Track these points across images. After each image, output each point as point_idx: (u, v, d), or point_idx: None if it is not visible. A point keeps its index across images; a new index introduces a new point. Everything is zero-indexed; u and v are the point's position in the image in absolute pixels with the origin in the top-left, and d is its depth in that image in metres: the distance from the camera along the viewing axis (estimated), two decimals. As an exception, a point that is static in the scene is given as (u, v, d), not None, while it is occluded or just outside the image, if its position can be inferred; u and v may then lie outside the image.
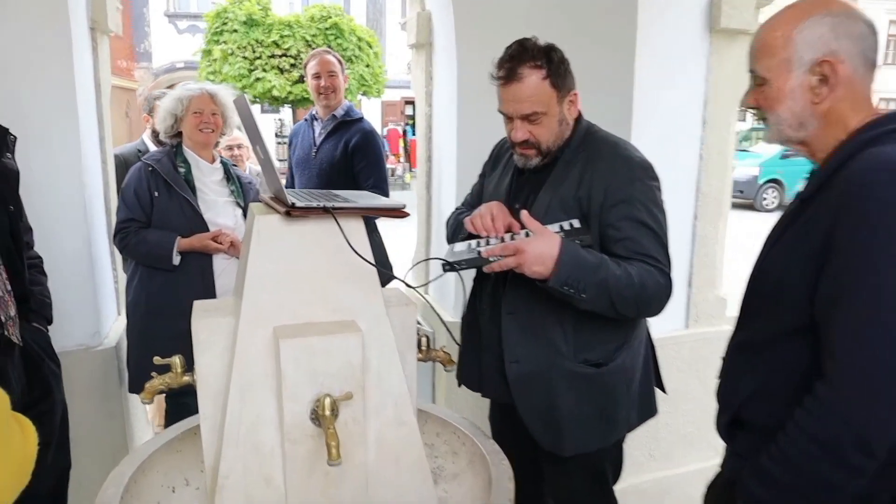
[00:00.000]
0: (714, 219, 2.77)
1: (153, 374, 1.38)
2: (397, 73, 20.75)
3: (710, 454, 3.18)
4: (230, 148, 3.87)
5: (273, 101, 14.89)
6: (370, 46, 15.05)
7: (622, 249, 1.58)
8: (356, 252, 1.28)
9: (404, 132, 20.14)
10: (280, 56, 14.12)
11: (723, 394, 1.33)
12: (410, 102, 21.45)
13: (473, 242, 1.67)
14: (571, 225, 1.59)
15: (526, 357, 1.70)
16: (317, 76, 3.08)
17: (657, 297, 1.58)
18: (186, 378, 1.38)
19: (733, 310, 3.11)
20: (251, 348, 1.27)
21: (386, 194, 3.06)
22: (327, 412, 1.21)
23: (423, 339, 1.55)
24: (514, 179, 1.79)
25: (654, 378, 1.87)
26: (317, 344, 1.24)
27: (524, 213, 1.51)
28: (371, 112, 21.77)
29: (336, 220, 1.27)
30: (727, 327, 2.97)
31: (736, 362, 1.32)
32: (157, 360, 1.36)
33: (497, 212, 1.67)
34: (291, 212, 1.28)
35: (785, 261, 1.17)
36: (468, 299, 1.88)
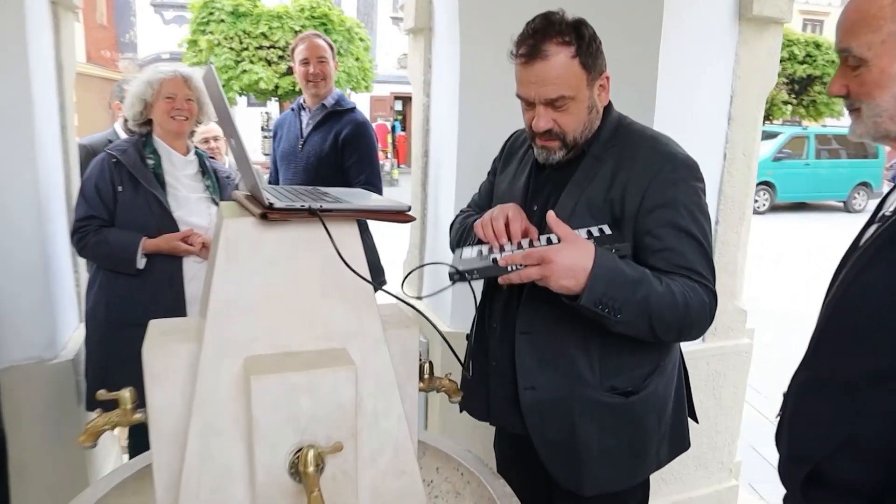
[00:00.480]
0: (737, 224, 2.54)
1: (97, 410, 1.12)
2: (387, 68, 20.48)
3: (723, 476, 2.97)
4: (206, 140, 3.59)
5: (260, 94, 14.52)
6: (361, 40, 14.73)
7: (661, 262, 1.34)
8: (348, 266, 1.03)
9: (392, 128, 19.87)
10: (268, 48, 13.77)
11: (795, 442, 1.10)
12: (400, 98, 21.20)
13: (485, 248, 1.43)
14: (602, 231, 1.35)
15: (543, 383, 1.47)
16: (305, 62, 2.82)
17: (701, 319, 1.34)
18: (138, 416, 1.12)
19: (752, 321, 2.92)
20: (216, 385, 1.01)
21: (379, 191, 2.81)
22: (310, 468, 0.96)
23: (426, 366, 1.31)
24: (533, 177, 1.55)
25: (686, 406, 1.64)
26: (298, 381, 0.99)
27: (551, 215, 1.27)
28: (359, 107, 21.45)
29: (324, 224, 1.02)
30: (746, 341, 2.73)
31: (811, 405, 1.08)
32: (100, 394, 1.10)
33: (513, 214, 1.42)
34: (269, 214, 1.02)
35: (886, 290, 0.94)
36: (476, 314, 1.64)
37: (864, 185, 15.50)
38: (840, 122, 20.91)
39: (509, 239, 1.39)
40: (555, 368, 1.45)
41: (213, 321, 1.01)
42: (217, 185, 2.34)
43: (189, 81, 2.26)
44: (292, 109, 3.01)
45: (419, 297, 2.66)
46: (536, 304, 1.43)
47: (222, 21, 13.63)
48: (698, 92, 2.30)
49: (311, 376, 0.99)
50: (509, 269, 1.26)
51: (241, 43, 13.69)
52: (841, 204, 15.60)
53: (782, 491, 1.14)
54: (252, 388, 0.97)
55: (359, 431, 1.06)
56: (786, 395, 1.18)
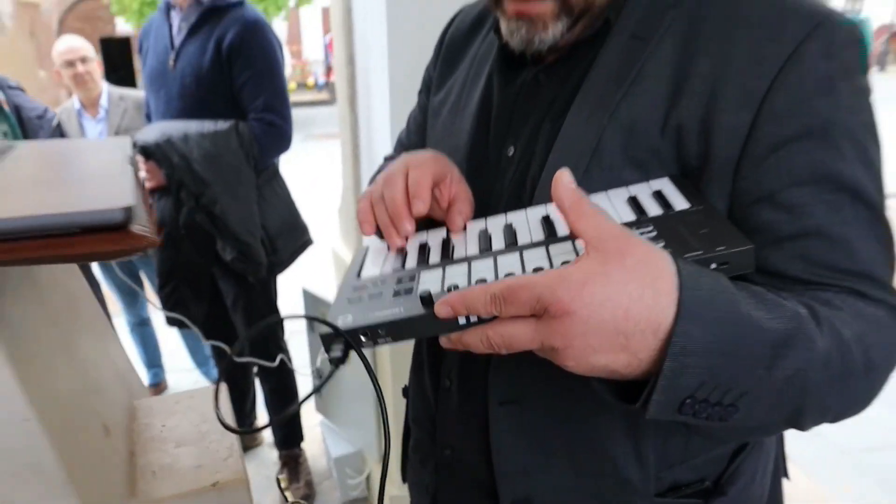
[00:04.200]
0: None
1: None
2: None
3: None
4: (70, 64, 2.68)
5: None
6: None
7: (797, 262, 0.61)
8: None
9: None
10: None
11: None
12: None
13: (412, 249, 0.68)
14: (664, 201, 0.60)
15: (546, 490, 0.76)
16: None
17: (886, 374, 0.62)
18: None
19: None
20: None
21: (285, 120, 2.00)
22: None
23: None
24: (499, 87, 0.78)
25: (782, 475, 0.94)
26: None
27: (562, 181, 0.51)
28: (311, 21, 19.74)
29: None
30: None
31: None
32: None
33: (419, 174, 0.70)
34: None
35: None
36: (412, 359, 0.90)
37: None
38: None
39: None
40: (568, 465, 0.74)
41: None
42: (17, 129, 1.52)
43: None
44: (160, 10, 2.12)
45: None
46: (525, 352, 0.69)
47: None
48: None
49: None
50: (461, 320, 0.52)
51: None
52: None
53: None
54: None
55: None
56: None
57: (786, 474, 0.94)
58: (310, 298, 2.30)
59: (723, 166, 0.62)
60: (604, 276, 0.47)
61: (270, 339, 2.22)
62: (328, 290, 2.35)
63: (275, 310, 2.24)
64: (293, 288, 2.48)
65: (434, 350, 0.85)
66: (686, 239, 0.54)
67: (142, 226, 0.39)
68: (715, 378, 0.50)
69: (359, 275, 0.66)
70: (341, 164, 2.34)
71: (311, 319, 0.70)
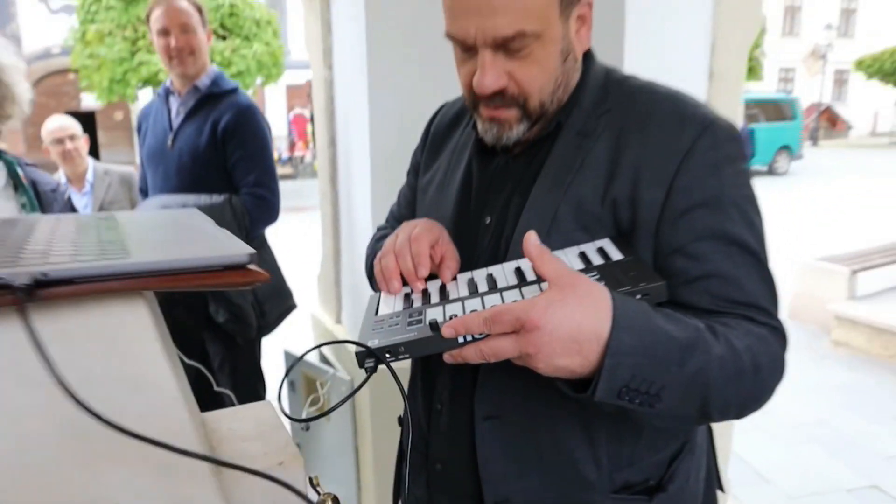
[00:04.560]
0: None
1: None
2: (300, 53, 19.44)
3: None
4: (59, 141, 2.87)
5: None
6: (268, 23, 13.71)
7: (704, 296, 0.83)
8: (92, 413, 0.46)
9: (312, 117, 18.92)
10: (167, 36, 12.59)
11: None
12: (318, 85, 20.26)
13: (416, 295, 0.88)
14: (604, 254, 0.82)
15: (522, 491, 0.93)
16: (164, 32, 2.14)
17: (773, 382, 0.84)
18: None
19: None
20: None
21: (274, 194, 2.20)
22: None
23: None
24: (477, 171, 1.01)
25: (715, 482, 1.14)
26: None
27: (531, 239, 0.73)
28: (274, 96, 20.29)
29: (27, 322, 0.44)
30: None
31: None
32: None
33: (417, 233, 0.92)
34: None
35: None
36: (408, 384, 1.08)
37: (785, 148, 15.78)
38: (758, 87, 21.40)
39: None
40: (541, 469, 0.92)
41: None
42: (35, 202, 1.68)
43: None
44: (159, 96, 2.34)
45: (306, 352, 2.10)
46: (506, 369, 0.89)
47: (111, 8, 12.38)
48: (673, 44, 1.80)
49: None
50: (460, 339, 0.71)
51: (135, 31, 12.48)
52: (765, 168, 15.84)
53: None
54: None
55: None
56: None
57: (720, 487, 1.13)
58: (291, 359, 2.44)
59: (646, 228, 0.84)
60: (562, 302, 0.68)
61: (252, 396, 2.33)
62: (310, 353, 2.49)
63: (259, 371, 2.36)
64: (274, 351, 2.61)
65: (427, 382, 1.03)
66: (619, 279, 0.75)
67: (256, 266, 0.58)
68: (641, 372, 0.70)
69: (376, 313, 0.85)
70: (321, 236, 2.52)
71: (346, 343, 0.89)
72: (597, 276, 0.76)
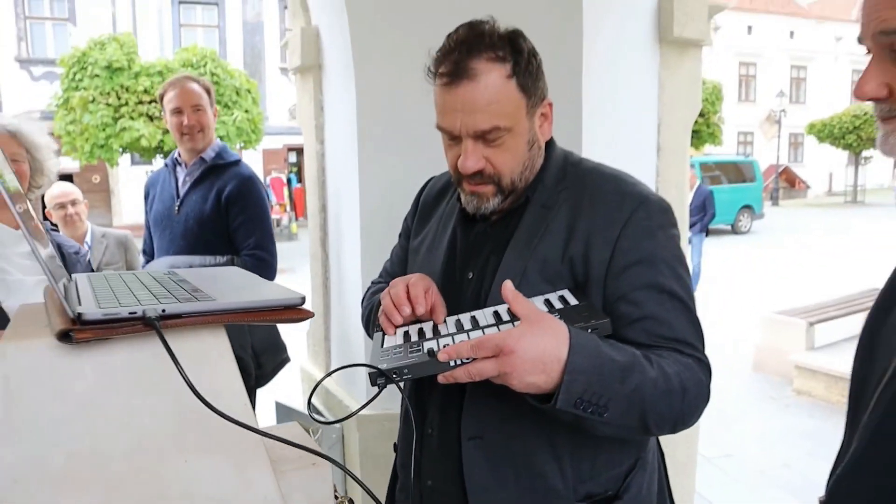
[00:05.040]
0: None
1: None
2: (278, 120, 19.97)
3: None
4: (62, 206, 3.06)
5: (143, 153, 13.56)
6: (248, 91, 14.16)
7: (643, 334, 1.05)
8: (210, 407, 0.66)
9: (288, 180, 19.25)
10: (149, 102, 12.92)
11: None
12: (293, 150, 20.68)
13: (413, 332, 1.09)
14: (564, 301, 1.04)
15: (502, 501, 1.12)
16: (177, 111, 2.39)
17: (700, 402, 1.06)
18: None
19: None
20: None
21: (272, 256, 2.40)
22: None
23: (346, 509, 0.94)
24: (461, 235, 1.23)
25: (669, 500, 1.33)
26: None
27: (508, 287, 0.95)
28: (252, 161, 20.68)
29: (165, 342, 0.65)
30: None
31: None
32: None
33: (414, 282, 1.14)
34: (76, 333, 0.64)
35: None
36: (402, 412, 1.28)
37: (747, 207, 16.47)
38: (718, 150, 22.39)
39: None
40: (516, 482, 1.11)
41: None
42: (62, 264, 1.86)
43: (18, 137, 1.80)
44: (166, 165, 2.56)
45: (314, 391, 2.26)
46: (487, 397, 1.10)
47: (97, 76, 12.72)
48: (626, 123, 2.09)
49: None
50: (452, 363, 0.92)
51: (118, 98, 12.79)
52: (729, 227, 16.46)
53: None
54: None
55: None
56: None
57: (672, 502, 1.33)
58: (283, 409, 2.58)
59: (597, 281, 1.07)
60: (531, 333, 0.90)
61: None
62: (298, 403, 2.65)
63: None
64: (266, 402, 2.75)
65: (419, 411, 1.22)
66: (575, 318, 0.97)
67: (307, 307, 0.79)
68: (591, 387, 0.92)
69: (382, 346, 1.05)
70: (311, 294, 2.71)
71: (361, 366, 1.06)
72: (558, 316, 0.98)
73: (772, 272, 10.78)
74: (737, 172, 16.77)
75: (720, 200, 15.95)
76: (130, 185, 18.02)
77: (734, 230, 16.30)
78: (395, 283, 1.16)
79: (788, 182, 27.65)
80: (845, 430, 0.88)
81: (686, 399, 1.02)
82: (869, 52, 0.77)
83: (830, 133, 23.03)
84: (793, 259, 11.98)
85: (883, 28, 0.71)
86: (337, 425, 2.26)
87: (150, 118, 13.03)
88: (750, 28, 29.10)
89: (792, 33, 29.59)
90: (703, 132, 19.20)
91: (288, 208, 18.23)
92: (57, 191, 3.18)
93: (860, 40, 0.77)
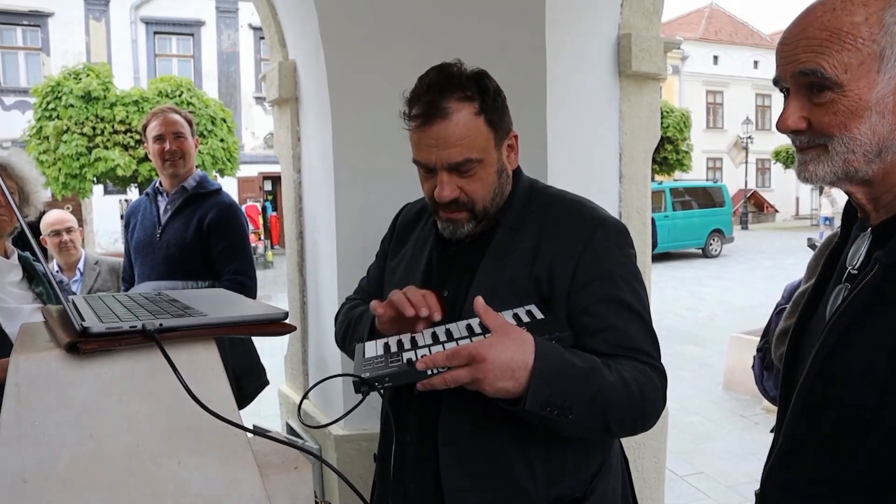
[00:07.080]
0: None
1: None
2: (253, 148, 20.02)
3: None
4: (56, 233, 3.09)
5: (118, 182, 13.49)
6: (224, 120, 14.21)
7: (603, 343, 1.14)
8: (204, 407, 0.73)
9: (263, 208, 19.23)
10: (124, 132, 12.90)
11: None
12: (269, 177, 20.68)
13: (392, 343, 1.16)
14: (531, 314, 1.13)
15: (477, 502, 1.20)
16: (159, 139, 2.46)
17: (657, 405, 1.15)
18: None
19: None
20: None
21: (252, 281, 2.46)
22: None
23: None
24: (436, 257, 1.32)
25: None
26: None
27: (479, 302, 1.04)
28: (227, 189, 20.57)
29: (163, 351, 0.72)
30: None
31: None
32: None
33: (411, 288, 1.20)
34: (82, 344, 0.71)
35: (877, 364, 0.78)
36: (381, 423, 1.34)
37: (718, 231, 16.85)
38: (688, 176, 22.92)
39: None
40: (490, 485, 1.19)
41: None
42: (51, 291, 1.91)
43: (8, 170, 1.86)
44: (147, 194, 2.62)
45: (305, 396, 2.32)
46: (462, 406, 1.17)
47: (71, 106, 12.68)
48: (589, 153, 2.21)
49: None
50: (429, 372, 1.00)
51: (93, 129, 12.75)
52: (700, 250, 16.80)
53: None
54: None
55: None
56: (760, 497, 0.99)
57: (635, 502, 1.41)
58: (261, 432, 2.61)
59: (561, 296, 1.17)
60: (501, 343, 0.99)
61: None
62: (276, 426, 2.69)
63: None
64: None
65: (399, 422, 1.29)
66: (541, 330, 1.06)
67: (289, 322, 0.86)
68: (556, 391, 1.00)
69: (363, 356, 1.13)
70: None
71: (345, 376, 1.11)
72: (526, 328, 1.07)
73: (742, 294, 11.02)
74: (706, 197, 17.19)
75: (691, 225, 16.44)
76: (104, 214, 17.85)
77: (705, 254, 16.64)
78: (396, 293, 1.19)
79: (757, 206, 28.35)
80: (775, 429, 0.98)
81: (644, 402, 1.11)
82: (782, 91, 0.88)
83: (795, 160, 23.67)
84: (762, 281, 12.26)
85: (801, 69, 0.83)
86: (315, 445, 2.30)
87: (125, 147, 12.99)
88: (716, 58, 30.02)
89: (756, 63, 30.55)
90: (671, 158, 19.66)
91: (262, 236, 18.18)
92: (52, 218, 3.22)
93: (776, 82, 0.89)
